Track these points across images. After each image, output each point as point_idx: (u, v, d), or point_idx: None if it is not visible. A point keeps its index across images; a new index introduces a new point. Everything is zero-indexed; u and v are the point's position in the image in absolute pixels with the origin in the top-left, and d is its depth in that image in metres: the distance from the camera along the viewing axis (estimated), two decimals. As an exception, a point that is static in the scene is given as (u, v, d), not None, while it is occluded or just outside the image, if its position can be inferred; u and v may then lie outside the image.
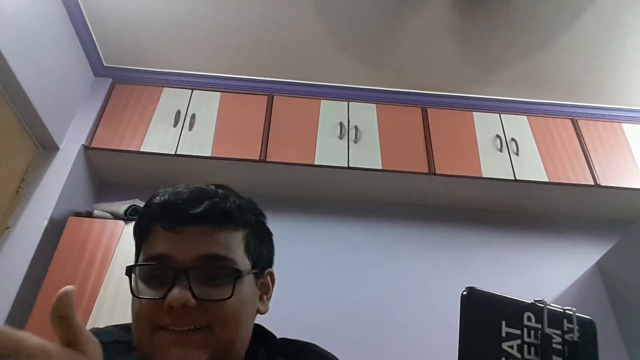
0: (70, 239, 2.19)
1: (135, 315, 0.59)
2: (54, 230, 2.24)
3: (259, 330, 0.70)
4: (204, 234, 0.59)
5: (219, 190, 0.64)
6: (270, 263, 0.70)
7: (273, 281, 0.71)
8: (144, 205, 0.65)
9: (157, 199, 0.63)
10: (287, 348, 0.68)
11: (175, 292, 0.55)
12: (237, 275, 0.59)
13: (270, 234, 0.71)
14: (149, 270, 0.60)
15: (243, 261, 0.62)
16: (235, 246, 0.61)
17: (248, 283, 0.62)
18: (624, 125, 2.83)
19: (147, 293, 0.58)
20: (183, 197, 0.61)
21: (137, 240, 0.65)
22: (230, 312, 0.58)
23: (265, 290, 0.69)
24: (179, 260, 0.58)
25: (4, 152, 2.14)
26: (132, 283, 0.60)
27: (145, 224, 0.63)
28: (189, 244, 0.59)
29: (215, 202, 0.61)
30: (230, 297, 0.57)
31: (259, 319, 0.72)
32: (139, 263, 0.61)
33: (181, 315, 0.55)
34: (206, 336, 0.56)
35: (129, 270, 0.60)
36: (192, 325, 0.56)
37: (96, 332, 0.70)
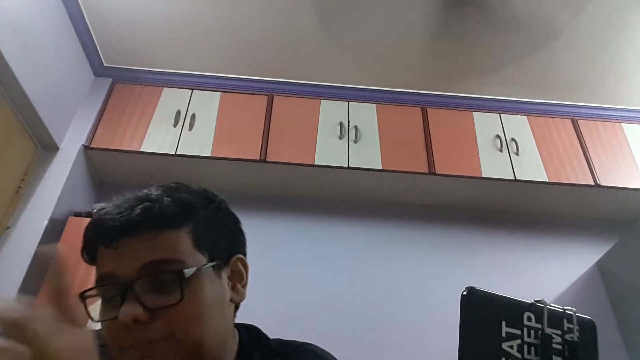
0: (70, 239, 2.19)
1: (106, 339, 0.58)
2: (54, 230, 2.24)
3: (254, 332, 0.69)
4: (142, 242, 0.57)
5: (154, 192, 0.62)
6: (236, 249, 0.67)
7: (245, 267, 0.68)
8: (84, 231, 0.63)
9: (91, 222, 0.62)
10: (282, 349, 0.67)
11: (125, 308, 0.54)
12: (182, 277, 0.56)
13: (232, 219, 0.68)
14: (100, 293, 0.59)
15: (194, 257, 0.59)
16: (179, 245, 0.59)
17: (206, 278, 0.59)
18: (624, 125, 2.83)
19: (104, 315, 0.57)
20: (112, 211, 0.59)
21: (91, 265, 0.63)
22: (188, 316, 0.56)
23: (238, 278, 0.66)
24: (122, 275, 0.57)
25: (4, 152, 2.14)
26: (99, 308, 0.59)
27: (89, 248, 0.62)
28: (129, 256, 0.57)
29: (146, 207, 0.59)
30: (180, 301, 0.55)
31: (255, 320, 0.72)
32: (85, 290, 0.59)
33: (140, 331, 0.54)
34: (170, 345, 0.55)
35: (81, 297, 0.58)
36: (151, 338, 0.55)
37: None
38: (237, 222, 0.69)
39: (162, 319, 0.55)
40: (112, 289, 0.57)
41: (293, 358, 0.65)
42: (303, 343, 0.69)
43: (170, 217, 0.59)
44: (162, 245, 0.58)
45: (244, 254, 0.69)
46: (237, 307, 0.67)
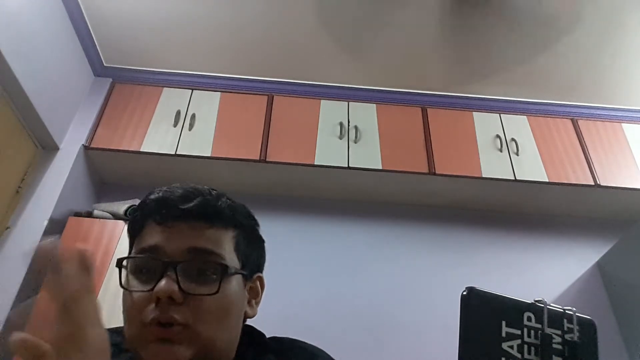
0: (70, 239, 2.19)
1: (125, 309, 0.59)
2: (54, 230, 2.24)
3: (249, 330, 0.70)
4: (194, 229, 0.61)
5: (212, 190, 0.66)
6: (259, 268, 0.71)
7: (262, 286, 0.71)
8: (139, 203, 0.66)
9: (152, 196, 0.65)
10: (275, 346, 0.68)
11: (163, 283, 0.56)
12: (225, 270, 0.60)
13: (261, 240, 0.72)
14: (139, 263, 0.61)
15: (232, 259, 0.63)
16: (224, 243, 0.62)
17: (236, 283, 0.62)
18: (624, 125, 2.83)
19: (136, 286, 0.59)
20: (176, 194, 0.63)
21: (130, 237, 0.66)
22: (214, 309, 0.58)
23: (254, 294, 0.69)
24: (169, 252, 0.59)
25: (4, 152, 2.14)
26: (123, 277, 0.61)
27: (139, 220, 0.64)
28: (179, 237, 0.60)
29: (207, 200, 0.63)
30: (216, 293, 0.58)
31: (255, 320, 0.72)
32: (128, 255, 0.62)
33: (166, 308, 0.56)
34: (189, 333, 0.56)
35: (119, 263, 0.61)
36: (177, 320, 0.56)
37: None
38: (264, 244, 0.73)
39: (192, 306, 0.57)
40: (153, 263, 0.59)
41: (287, 355, 0.66)
42: (295, 340, 0.70)
43: (223, 215, 0.64)
44: (211, 237, 0.62)
45: (262, 273, 0.73)
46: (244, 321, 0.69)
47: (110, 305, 2.00)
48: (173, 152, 2.49)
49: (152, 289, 0.56)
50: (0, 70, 2.01)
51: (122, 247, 2.17)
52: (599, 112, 2.91)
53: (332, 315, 2.38)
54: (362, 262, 2.58)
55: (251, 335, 0.69)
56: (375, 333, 2.34)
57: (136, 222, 0.65)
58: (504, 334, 0.94)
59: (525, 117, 2.83)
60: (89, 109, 2.64)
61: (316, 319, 2.33)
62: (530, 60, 2.67)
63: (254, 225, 0.70)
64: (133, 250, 0.64)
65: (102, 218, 2.29)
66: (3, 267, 2.08)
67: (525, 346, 0.94)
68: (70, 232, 2.22)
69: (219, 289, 0.58)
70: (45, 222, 2.22)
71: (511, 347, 0.93)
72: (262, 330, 0.72)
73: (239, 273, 0.63)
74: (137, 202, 2.32)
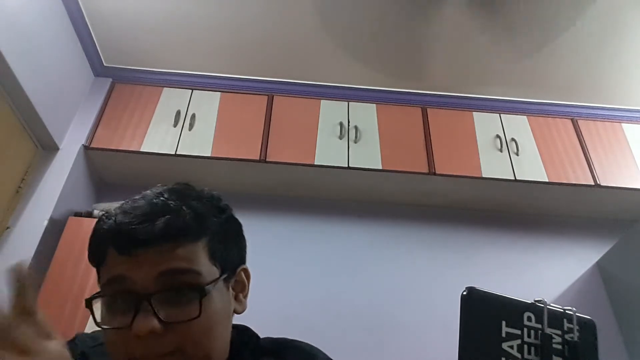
0: (70, 239, 2.19)
1: (108, 345, 0.57)
2: (54, 230, 2.24)
3: (244, 332, 0.69)
4: (161, 253, 0.56)
5: (171, 201, 0.59)
6: (242, 260, 0.68)
7: (248, 277, 0.68)
8: (94, 229, 0.61)
9: (107, 223, 0.59)
10: (271, 347, 0.67)
11: (140, 320, 0.53)
12: (202, 292, 0.56)
13: (239, 229, 0.68)
14: (111, 299, 0.57)
15: (209, 270, 0.59)
16: (197, 257, 0.58)
17: (218, 292, 0.59)
18: (624, 125, 2.83)
19: (114, 322, 0.56)
20: (132, 218, 0.57)
21: (95, 266, 0.61)
22: (201, 330, 0.56)
23: (240, 288, 0.66)
24: (138, 281, 0.55)
25: (4, 152, 2.14)
26: (101, 311, 0.58)
27: (99, 249, 0.59)
28: (147, 265, 0.55)
29: (168, 221, 0.57)
30: (198, 316, 0.55)
31: (255, 320, 0.72)
32: (97, 294, 0.58)
33: (151, 343, 0.53)
34: (181, 357, 0.55)
35: (89, 303, 0.57)
36: (163, 351, 0.54)
37: (82, 336, 0.70)
38: (241, 230, 0.69)
39: (176, 333, 0.54)
40: (126, 297, 0.55)
41: (282, 355, 0.65)
42: (292, 340, 0.68)
43: (190, 230, 0.58)
44: (180, 256, 0.57)
45: (245, 262, 0.69)
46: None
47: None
48: (173, 152, 2.49)
49: (130, 324, 0.53)
50: (0, 70, 2.01)
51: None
52: (599, 112, 2.91)
53: (332, 315, 2.38)
54: (362, 262, 2.58)
55: (246, 336, 0.68)
56: (375, 333, 2.34)
57: (96, 251, 0.60)
58: (504, 334, 0.94)
59: (525, 117, 2.83)
60: (89, 109, 2.64)
61: (316, 319, 2.33)
62: (530, 60, 2.67)
63: (226, 220, 0.65)
64: (101, 281, 0.59)
65: (102, 218, 2.28)
66: (3, 267, 2.08)
67: (525, 346, 0.94)
68: (70, 232, 2.22)
69: (201, 311, 0.55)
70: (45, 222, 2.22)
71: (511, 347, 0.93)
72: (263, 330, 0.72)
73: (220, 280, 0.60)
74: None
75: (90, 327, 1.93)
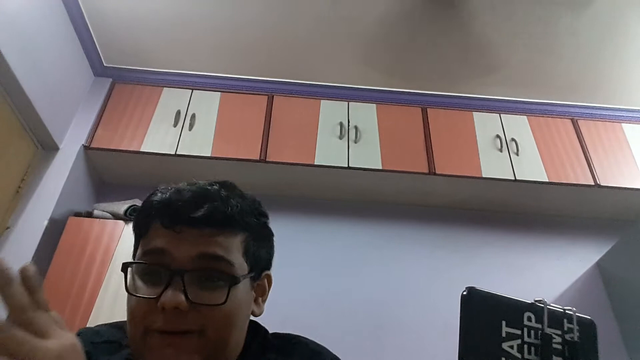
0: (70, 239, 2.19)
1: (129, 312, 0.59)
2: (54, 230, 2.24)
3: (253, 325, 0.70)
4: (203, 235, 0.59)
5: (222, 191, 0.63)
6: (268, 265, 0.70)
7: (270, 283, 0.71)
8: (144, 201, 0.64)
9: (158, 197, 0.62)
10: (278, 342, 0.68)
11: (169, 293, 0.55)
12: (233, 281, 0.58)
13: (271, 235, 0.71)
14: (145, 268, 0.60)
15: (241, 265, 0.61)
16: (234, 249, 0.61)
17: (243, 287, 0.62)
18: (624, 125, 2.83)
19: (142, 291, 0.58)
20: (184, 197, 0.61)
21: (136, 236, 0.65)
22: (223, 318, 0.58)
23: (261, 292, 0.68)
24: (177, 257, 0.58)
25: (4, 152, 2.14)
26: (128, 280, 0.60)
27: (145, 220, 0.62)
28: (188, 243, 0.58)
29: (216, 206, 0.61)
30: (224, 303, 0.57)
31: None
32: (135, 261, 0.61)
33: (173, 318, 0.55)
34: (198, 340, 0.56)
35: (125, 267, 0.60)
36: (184, 329, 0.55)
37: (86, 332, 0.70)
38: (272, 238, 0.72)
39: (199, 314, 0.56)
40: (160, 270, 0.58)
41: (289, 351, 0.66)
42: (297, 336, 0.70)
43: (233, 221, 0.62)
44: (219, 243, 0.60)
45: (270, 269, 0.72)
46: None
47: (110, 305, 2.01)
48: (173, 152, 2.49)
49: (158, 297, 0.55)
50: (0, 70, 2.01)
51: (122, 247, 2.17)
52: (599, 112, 2.91)
53: (332, 315, 2.38)
54: (362, 262, 2.58)
55: (255, 331, 0.69)
56: (375, 333, 2.34)
57: (141, 222, 0.63)
58: (504, 334, 0.94)
59: (525, 117, 2.83)
60: (89, 109, 2.64)
61: (316, 319, 2.33)
62: (530, 60, 2.67)
63: (264, 222, 0.69)
64: (139, 251, 0.62)
65: (102, 218, 2.29)
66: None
67: (525, 346, 0.94)
68: (70, 232, 2.22)
69: (227, 298, 0.57)
70: (45, 222, 2.22)
71: (511, 347, 0.93)
72: (261, 325, 0.73)
73: (248, 277, 0.62)
74: (137, 202, 2.32)
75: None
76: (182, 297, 0.55)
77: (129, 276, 0.60)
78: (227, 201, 0.62)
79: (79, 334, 0.70)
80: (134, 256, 0.64)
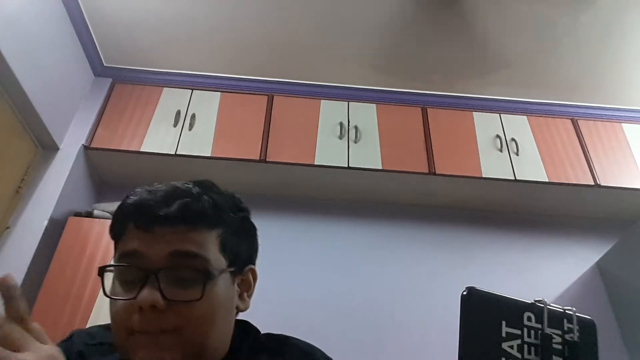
0: (70, 239, 2.19)
1: (112, 316, 0.59)
2: (54, 230, 2.24)
3: (243, 325, 0.70)
4: (176, 233, 0.59)
5: (194, 188, 0.63)
6: (251, 260, 0.70)
7: (255, 278, 0.70)
8: (119, 205, 0.64)
9: (131, 199, 0.63)
10: (269, 343, 0.68)
11: (145, 292, 0.55)
12: (208, 276, 0.58)
13: (253, 230, 0.71)
14: (119, 272, 0.60)
15: (217, 260, 0.61)
16: (208, 245, 0.61)
17: (223, 283, 0.61)
18: (624, 125, 2.83)
19: (121, 294, 0.58)
20: (155, 197, 0.61)
21: (113, 240, 0.65)
22: (201, 314, 0.58)
23: (246, 287, 0.68)
24: (150, 256, 0.58)
25: (4, 152, 2.14)
26: (108, 284, 0.60)
27: (120, 223, 0.63)
28: (161, 242, 0.59)
29: (186, 202, 0.61)
30: (200, 299, 0.57)
31: (255, 320, 0.72)
32: (110, 264, 0.61)
33: (151, 317, 0.55)
34: (176, 339, 0.56)
35: (101, 272, 0.60)
36: (162, 328, 0.56)
37: (80, 333, 0.71)
38: (255, 232, 0.72)
39: (176, 312, 0.56)
40: (135, 271, 0.58)
41: (280, 352, 0.66)
42: (288, 337, 0.69)
43: (206, 217, 0.61)
44: (193, 239, 0.60)
45: (255, 263, 0.71)
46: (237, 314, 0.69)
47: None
48: (173, 152, 2.49)
49: (135, 297, 0.56)
50: (0, 70, 2.02)
51: (122, 247, 2.17)
52: (599, 112, 2.91)
53: (332, 315, 2.38)
54: (362, 261, 2.58)
55: (246, 331, 0.69)
56: (375, 333, 2.34)
57: (117, 225, 0.63)
58: (504, 334, 0.94)
59: (525, 117, 2.83)
60: (89, 109, 2.64)
61: (316, 319, 2.33)
62: (530, 60, 2.67)
63: (243, 217, 0.69)
64: (116, 255, 0.62)
65: (102, 218, 2.29)
66: (3, 267, 2.08)
67: (525, 346, 0.94)
68: (70, 232, 2.22)
69: (203, 294, 0.57)
70: (45, 222, 2.22)
71: (511, 347, 0.93)
72: (263, 329, 0.72)
73: (226, 272, 0.62)
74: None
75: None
76: (158, 295, 0.55)
77: (108, 281, 0.60)
78: (199, 197, 0.62)
79: (72, 335, 0.71)
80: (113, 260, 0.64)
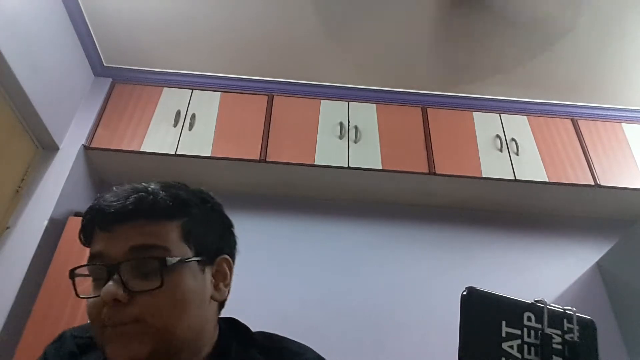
0: (70, 239, 2.19)
1: (88, 314, 0.61)
2: (54, 230, 2.24)
3: (232, 323, 0.71)
4: (134, 227, 0.61)
5: (152, 185, 0.66)
6: (224, 250, 0.70)
7: (230, 268, 0.71)
8: (83, 213, 0.66)
9: (90, 205, 0.65)
10: (263, 341, 0.69)
11: (106, 287, 0.57)
12: (163, 263, 0.59)
13: (224, 221, 0.72)
14: (90, 272, 0.62)
15: (180, 249, 0.62)
16: (169, 235, 0.62)
17: (190, 272, 0.62)
18: (624, 125, 2.83)
19: (90, 292, 0.61)
20: (110, 198, 0.63)
21: (86, 246, 0.67)
22: (163, 302, 0.59)
23: (221, 277, 0.69)
24: (112, 255, 0.60)
25: (4, 152, 2.14)
26: (78, 287, 0.63)
27: (87, 228, 0.65)
28: (121, 239, 0.61)
29: (141, 197, 0.63)
30: (160, 287, 0.58)
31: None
32: (76, 267, 0.63)
33: (115, 310, 0.57)
34: (142, 328, 0.57)
35: (71, 275, 0.62)
36: (126, 319, 0.57)
37: (68, 334, 0.72)
38: (229, 225, 0.72)
39: (140, 303, 0.58)
40: (100, 269, 0.60)
41: (272, 351, 0.67)
42: (283, 339, 0.70)
43: (162, 209, 0.63)
44: (151, 232, 0.62)
45: (232, 256, 0.72)
46: (221, 306, 0.70)
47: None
48: (173, 152, 2.49)
49: (99, 294, 0.58)
50: (0, 70, 2.02)
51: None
52: (599, 112, 2.91)
53: (332, 315, 2.38)
54: (362, 262, 2.58)
55: (235, 328, 0.70)
56: (375, 333, 2.34)
57: (84, 232, 0.66)
58: (504, 334, 0.94)
59: (525, 117, 2.83)
60: (89, 109, 2.64)
61: (316, 319, 2.33)
62: (530, 60, 2.67)
63: (208, 209, 0.69)
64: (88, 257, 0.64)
65: (102, 218, 2.28)
66: (3, 267, 2.08)
67: (525, 346, 0.94)
68: (70, 232, 2.22)
69: (163, 282, 0.58)
70: (45, 222, 2.22)
71: (511, 347, 0.93)
72: (261, 328, 0.73)
73: (190, 261, 0.63)
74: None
75: (90, 327, 1.93)
76: (120, 289, 0.57)
77: (82, 285, 0.63)
78: (154, 192, 0.64)
79: (61, 336, 0.73)
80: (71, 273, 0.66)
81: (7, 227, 2.18)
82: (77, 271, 0.63)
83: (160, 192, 0.65)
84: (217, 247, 0.69)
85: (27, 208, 2.25)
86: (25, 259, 2.10)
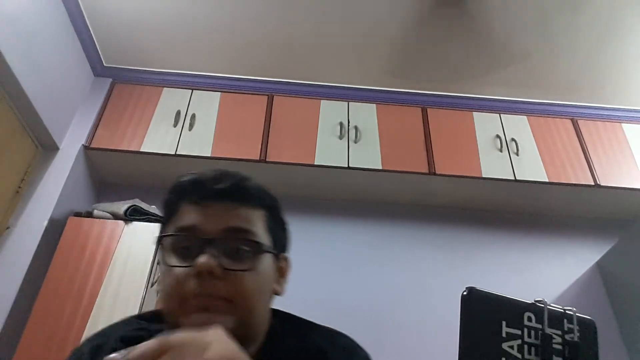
0: (70, 239, 2.19)
1: (165, 287, 0.61)
2: (54, 230, 2.24)
3: (277, 312, 0.73)
4: (228, 209, 0.64)
5: (240, 173, 0.69)
6: (284, 249, 0.75)
7: (289, 266, 0.76)
8: (173, 185, 0.69)
9: (185, 178, 0.68)
10: (318, 329, 0.73)
11: (203, 258, 0.58)
12: (259, 248, 0.63)
13: (286, 222, 0.76)
14: (178, 241, 0.63)
15: (264, 237, 0.66)
16: (256, 222, 0.66)
17: (267, 261, 0.65)
18: (624, 125, 2.83)
19: (176, 263, 0.61)
20: (209, 176, 0.66)
21: (165, 216, 0.68)
22: (251, 286, 0.61)
23: (282, 273, 0.73)
24: (206, 230, 0.62)
25: (4, 152, 2.14)
26: (160, 255, 0.64)
27: (174, 200, 0.67)
28: (215, 217, 0.63)
29: (237, 181, 0.66)
30: (252, 270, 0.61)
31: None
32: (169, 234, 0.64)
33: (207, 283, 0.58)
34: (229, 306, 0.59)
35: (159, 242, 0.64)
36: (217, 294, 0.58)
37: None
38: (287, 226, 0.77)
39: (230, 281, 0.59)
40: (192, 241, 0.62)
41: (328, 339, 0.72)
42: (340, 336, 0.76)
43: (253, 196, 0.67)
44: (245, 216, 0.65)
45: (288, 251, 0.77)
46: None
47: (110, 305, 2.01)
48: (173, 152, 2.49)
49: (191, 265, 0.59)
50: (0, 70, 2.01)
51: (122, 248, 2.17)
52: (599, 112, 2.91)
53: (332, 315, 2.36)
54: (362, 262, 2.58)
55: (282, 315, 0.73)
56: (375, 333, 2.34)
57: (171, 204, 0.67)
58: (504, 334, 0.94)
59: (525, 117, 2.83)
60: (89, 109, 2.64)
61: (316, 319, 2.32)
62: (530, 61, 2.67)
63: (280, 207, 0.74)
64: (170, 230, 0.65)
65: (102, 218, 2.29)
66: (3, 267, 2.08)
67: (526, 346, 0.94)
68: (70, 232, 2.22)
69: (255, 266, 0.61)
70: (45, 222, 2.22)
71: (511, 347, 0.93)
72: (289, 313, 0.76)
73: (271, 252, 0.66)
74: (137, 202, 2.32)
75: (90, 327, 1.93)
76: (216, 262, 0.58)
77: (159, 254, 0.64)
78: (246, 179, 0.68)
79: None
80: (159, 239, 0.67)
81: (7, 227, 2.18)
82: (166, 238, 0.64)
83: (251, 180, 0.68)
84: (283, 244, 0.74)
85: (27, 208, 2.25)
86: (25, 259, 2.10)
